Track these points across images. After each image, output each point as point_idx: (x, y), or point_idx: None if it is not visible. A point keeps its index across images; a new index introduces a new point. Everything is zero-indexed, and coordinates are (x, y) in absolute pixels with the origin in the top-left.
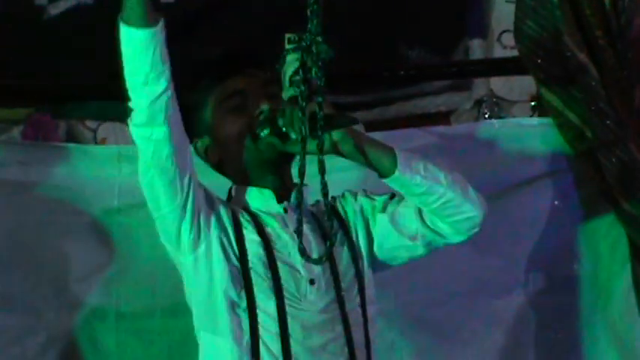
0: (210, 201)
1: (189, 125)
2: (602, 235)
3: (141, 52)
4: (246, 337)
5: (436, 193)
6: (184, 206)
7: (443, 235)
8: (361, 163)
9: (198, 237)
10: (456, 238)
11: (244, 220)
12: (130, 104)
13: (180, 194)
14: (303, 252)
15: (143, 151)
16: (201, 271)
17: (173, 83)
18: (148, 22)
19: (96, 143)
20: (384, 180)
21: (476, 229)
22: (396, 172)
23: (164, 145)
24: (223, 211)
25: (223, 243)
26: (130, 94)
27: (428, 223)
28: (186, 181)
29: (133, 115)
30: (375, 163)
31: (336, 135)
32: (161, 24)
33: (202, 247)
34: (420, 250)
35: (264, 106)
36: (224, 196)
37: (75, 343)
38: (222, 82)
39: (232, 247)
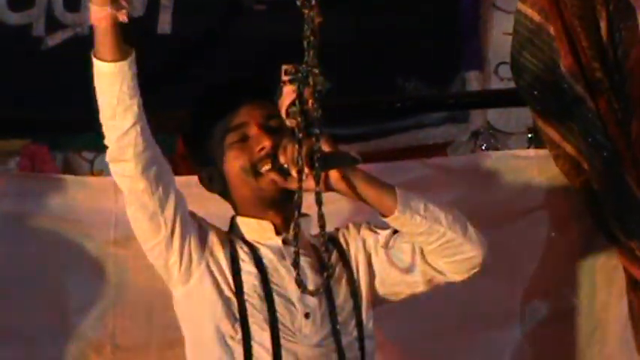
0: (204, 233)
1: (194, 153)
2: (598, 267)
3: (108, 86)
4: None
5: (436, 233)
6: (170, 239)
7: (443, 273)
8: (360, 200)
9: (189, 270)
10: (456, 277)
11: (242, 251)
12: (104, 140)
13: (163, 228)
14: (300, 283)
15: (121, 186)
16: (193, 302)
17: (145, 117)
18: (116, 56)
19: (92, 175)
20: (384, 219)
21: (476, 269)
22: (396, 212)
23: (138, 181)
24: (218, 244)
25: (216, 276)
26: (102, 129)
27: (429, 261)
28: (169, 214)
29: (107, 150)
30: (375, 202)
31: (334, 173)
32: (131, 58)
33: (194, 280)
34: (421, 287)
35: (266, 142)
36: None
37: None
38: (225, 114)
39: (227, 280)
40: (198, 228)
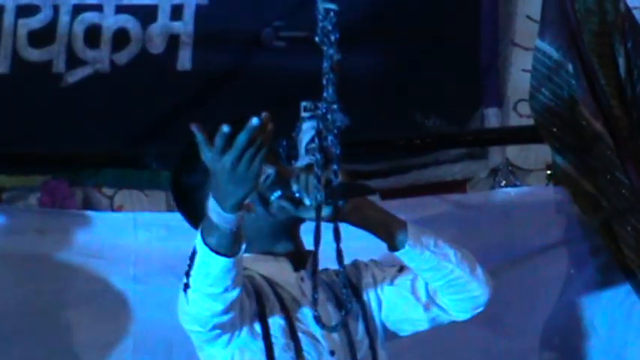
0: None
1: (189, 208)
2: (617, 304)
3: (221, 275)
4: None
5: (444, 270)
6: (229, 341)
7: (447, 311)
8: (371, 233)
9: (232, 340)
10: (460, 316)
11: (265, 292)
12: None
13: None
14: (318, 320)
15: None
16: (221, 353)
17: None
18: (233, 252)
19: (112, 210)
20: (394, 253)
21: (480, 309)
22: (406, 247)
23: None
24: (251, 298)
25: (251, 332)
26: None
27: (434, 298)
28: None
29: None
30: (386, 235)
31: (348, 204)
32: (242, 250)
33: (234, 344)
34: (424, 325)
35: (270, 170)
36: None
37: None
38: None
39: (254, 325)
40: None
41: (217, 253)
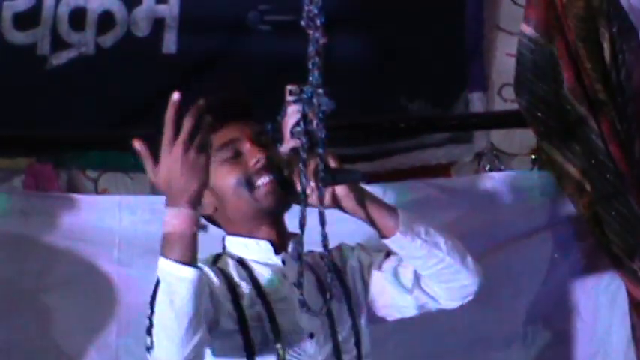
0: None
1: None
2: (601, 288)
3: (187, 297)
4: None
5: (435, 258)
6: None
7: (436, 299)
8: (362, 219)
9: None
10: (449, 304)
11: (240, 278)
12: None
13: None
14: (303, 303)
15: None
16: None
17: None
18: (196, 260)
19: (97, 193)
20: (385, 240)
21: (470, 297)
22: (397, 234)
23: None
24: (221, 289)
25: (228, 323)
26: (158, 339)
27: (423, 286)
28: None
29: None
30: (377, 221)
31: (340, 190)
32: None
33: (214, 337)
34: (412, 312)
35: (260, 155)
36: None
37: None
38: (214, 131)
39: (230, 313)
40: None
41: (183, 263)
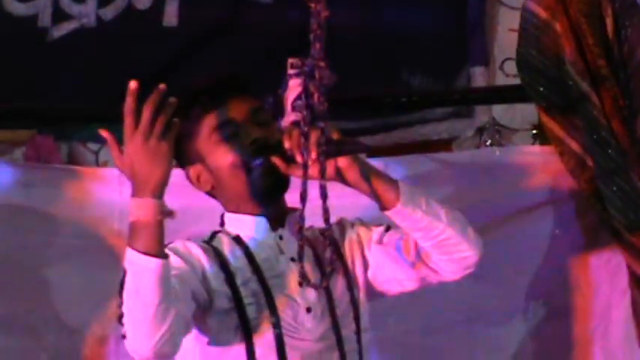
0: (200, 292)
1: (180, 152)
2: (602, 264)
3: (153, 287)
4: None
5: (436, 230)
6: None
7: (437, 271)
8: (364, 192)
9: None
10: (450, 276)
11: (235, 255)
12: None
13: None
14: (304, 276)
15: None
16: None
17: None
18: (162, 251)
19: (97, 166)
20: (386, 212)
21: (470, 270)
22: (398, 205)
23: None
24: (213, 269)
25: (223, 301)
26: (129, 329)
27: (424, 258)
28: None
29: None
30: (379, 193)
31: (342, 162)
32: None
33: (210, 316)
34: (413, 285)
35: (257, 135)
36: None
37: None
38: (211, 110)
39: (225, 293)
40: (198, 298)
41: (147, 254)
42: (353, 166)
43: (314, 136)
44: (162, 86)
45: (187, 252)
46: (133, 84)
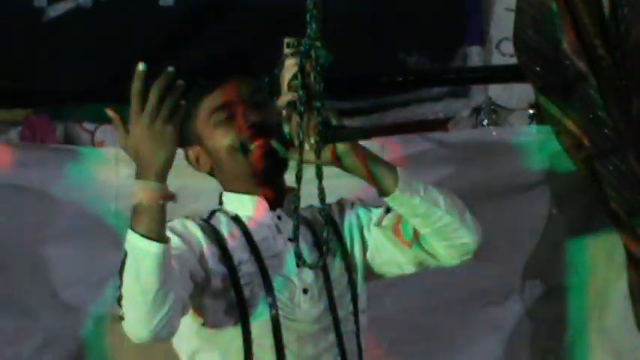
0: (196, 274)
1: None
2: (598, 244)
3: (152, 271)
4: (241, 352)
5: (434, 216)
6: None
7: (435, 257)
8: (362, 177)
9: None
10: (448, 262)
11: (233, 235)
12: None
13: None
14: (300, 256)
15: None
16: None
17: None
18: (163, 235)
19: (93, 145)
20: (384, 198)
21: (469, 256)
22: (397, 191)
23: None
24: (210, 248)
25: (219, 281)
26: (128, 310)
27: (422, 243)
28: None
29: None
30: (377, 179)
31: (340, 147)
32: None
33: (206, 295)
34: (410, 268)
35: (254, 117)
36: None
37: (70, 345)
38: (209, 92)
39: (221, 272)
40: (193, 280)
41: (149, 238)
42: (351, 151)
43: (313, 122)
44: (170, 69)
45: (186, 231)
46: (140, 66)
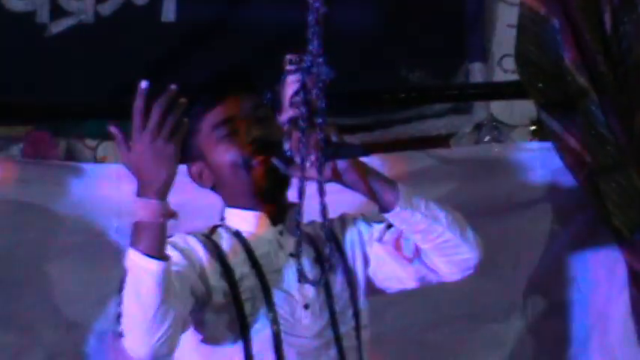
0: (198, 290)
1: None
2: (600, 260)
3: (153, 289)
4: None
5: (435, 232)
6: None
7: (437, 272)
8: (363, 193)
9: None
10: (450, 277)
11: (234, 250)
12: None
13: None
14: (301, 273)
15: None
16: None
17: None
18: (163, 253)
19: (95, 162)
20: (385, 215)
21: (470, 271)
22: (397, 208)
23: None
24: (211, 264)
25: (218, 300)
26: (128, 331)
27: (423, 258)
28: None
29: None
30: (377, 196)
31: (341, 163)
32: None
33: (208, 310)
34: (412, 284)
35: (256, 133)
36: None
37: None
38: (212, 108)
39: (222, 288)
40: (195, 296)
41: (149, 256)
42: (352, 167)
43: (314, 139)
44: (172, 86)
45: (187, 246)
46: (143, 84)
